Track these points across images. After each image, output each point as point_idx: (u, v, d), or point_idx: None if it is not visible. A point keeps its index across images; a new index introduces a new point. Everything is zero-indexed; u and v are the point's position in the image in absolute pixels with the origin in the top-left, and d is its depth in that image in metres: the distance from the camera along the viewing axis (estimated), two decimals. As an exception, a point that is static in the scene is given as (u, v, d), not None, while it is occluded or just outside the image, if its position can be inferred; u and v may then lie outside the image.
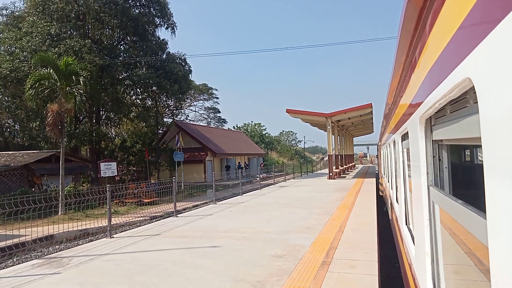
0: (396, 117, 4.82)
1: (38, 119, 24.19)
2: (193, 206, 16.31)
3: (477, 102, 1.11)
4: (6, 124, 33.10)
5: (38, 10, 26.26)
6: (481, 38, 1.02)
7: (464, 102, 1.47)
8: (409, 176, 3.52)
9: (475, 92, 1.12)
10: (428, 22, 1.90)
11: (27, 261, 7.51)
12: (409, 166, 3.65)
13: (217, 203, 13.89)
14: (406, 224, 4.48)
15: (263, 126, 74.09)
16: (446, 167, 2.09)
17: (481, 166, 1.11)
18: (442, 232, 2.12)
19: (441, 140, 2.07)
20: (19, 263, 7.71)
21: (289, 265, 5.64)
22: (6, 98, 26.43)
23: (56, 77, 17.79)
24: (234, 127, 69.36)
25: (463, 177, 2.89)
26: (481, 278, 1.42)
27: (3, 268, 7.31)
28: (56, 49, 23.45)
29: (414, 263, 3.08)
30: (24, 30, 25.05)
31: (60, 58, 19.38)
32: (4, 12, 33.79)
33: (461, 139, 1.62)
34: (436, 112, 1.97)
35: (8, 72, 22.92)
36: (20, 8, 31.47)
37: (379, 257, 6.09)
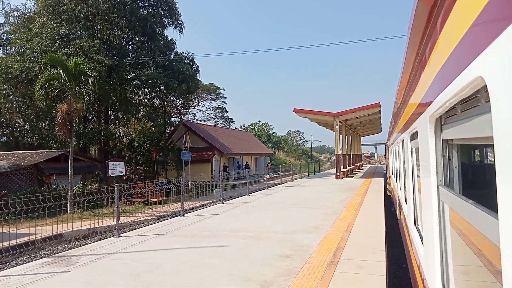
0: (405, 116, 4.78)
1: (48, 119, 24.49)
2: (200, 206, 16.36)
3: (489, 101, 1.09)
4: (17, 124, 33.55)
5: (48, 11, 26.59)
6: (494, 36, 1.00)
7: (475, 101, 1.45)
8: (418, 176, 3.49)
9: (487, 91, 1.11)
10: (439, 20, 1.88)
11: (37, 259, 7.59)
12: (418, 165, 3.62)
13: (224, 202, 13.91)
14: (415, 224, 4.44)
15: (270, 125, 74.30)
16: (456, 167, 2.06)
17: (492, 166, 1.09)
18: (452, 232, 2.09)
19: (451, 139, 2.04)
20: (28, 262, 7.81)
21: (296, 265, 5.63)
22: (16, 98, 26.78)
23: (65, 77, 17.99)
24: (241, 126, 69.50)
25: (473, 177, 2.85)
26: (492, 280, 1.40)
27: (13, 266, 7.42)
28: (66, 49, 23.71)
29: (423, 264, 3.05)
30: (34, 31, 25.37)
31: (69, 59, 19.60)
32: (15, 13, 34.35)
33: (472, 139, 1.60)
34: (446, 111, 1.95)
35: (18, 73, 23.23)
36: (30, 9, 31.98)
37: (387, 257, 6.05)
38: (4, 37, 35.47)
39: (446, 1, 1.69)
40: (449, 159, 2.13)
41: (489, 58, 1.07)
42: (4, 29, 36.06)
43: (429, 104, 2.29)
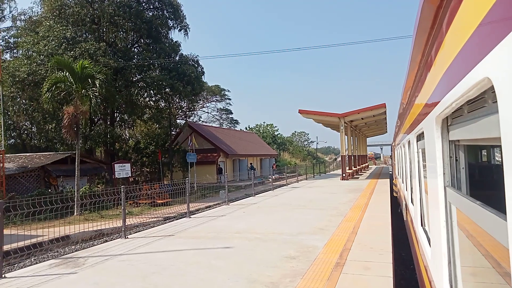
0: (411, 117, 4.76)
1: (54, 121, 24.67)
2: (206, 207, 16.40)
3: (496, 102, 1.09)
4: (24, 127, 33.86)
5: (54, 14, 26.80)
6: (502, 37, 1.00)
7: (482, 102, 1.45)
8: (425, 176, 3.47)
9: (494, 92, 1.11)
10: (445, 21, 1.87)
11: (44, 261, 7.66)
12: (424, 166, 3.61)
13: (230, 204, 13.93)
14: (422, 225, 4.42)
15: (275, 127, 74.07)
16: (463, 168, 2.05)
17: (499, 167, 1.09)
18: (459, 233, 2.08)
19: (458, 140, 2.04)
20: (36, 263, 7.88)
21: (302, 266, 5.62)
22: (23, 101, 27.02)
23: (72, 80, 18.11)
24: (246, 128, 69.53)
25: (481, 177, 2.84)
26: (500, 281, 1.39)
27: (22, 268, 7.49)
28: (72, 52, 23.89)
29: (430, 265, 3.03)
30: (41, 34, 25.59)
31: (75, 61, 19.74)
32: (22, 17, 34.73)
33: (479, 139, 1.59)
34: (453, 112, 1.94)
35: (25, 76, 23.45)
36: (37, 13, 32.24)
37: (393, 258, 6.02)
38: (11, 41, 35.86)
39: (452, 1, 1.69)
40: (456, 160, 2.12)
41: (496, 59, 1.07)
42: (12, 33, 36.46)
43: (435, 104, 2.28)
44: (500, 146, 1.08)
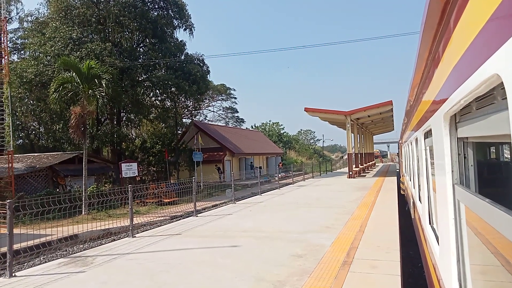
0: (419, 114, 4.73)
1: (62, 121, 24.90)
2: (213, 206, 16.43)
3: (505, 98, 1.08)
4: (32, 127, 34.22)
5: (60, 15, 27.03)
6: (511, 33, 0.99)
7: (491, 99, 1.43)
8: (433, 174, 3.45)
9: (503, 89, 1.09)
10: (453, 16, 1.85)
11: (53, 259, 7.75)
12: (432, 164, 3.58)
13: (236, 202, 13.94)
14: (430, 223, 4.39)
15: (281, 125, 74.03)
16: (472, 165, 2.03)
17: (509, 164, 1.08)
18: (468, 231, 2.06)
19: (467, 137, 2.02)
20: (45, 262, 7.97)
21: (309, 264, 5.62)
22: (31, 101, 27.28)
23: (78, 80, 18.26)
24: (252, 126, 69.56)
25: (490, 175, 2.81)
26: (510, 279, 1.38)
27: (31, 267, 7.57)
28: (78, 53, 24.07)
29: (438, 264, 3.01)
30: (47, 35, 25.82)
31: (82, 62, 19.90)
32: (29, 18, 35.07)
33: (488, 136, 1.58)
34: (461, 109, 1.92)
35: (33, 77, 23.68)
36: (44, 14, 32.54)
37: (401, 257, 5.99)
38: (19, 42, 36.24)
39: (460, -3, 1.67)
40: (465, 157, 2.10)
41: (505, 55, 1.06)
42: (19, 34, 36.86)
43: (443, 101, 2.26)
44: (509, 143, 1.07)
